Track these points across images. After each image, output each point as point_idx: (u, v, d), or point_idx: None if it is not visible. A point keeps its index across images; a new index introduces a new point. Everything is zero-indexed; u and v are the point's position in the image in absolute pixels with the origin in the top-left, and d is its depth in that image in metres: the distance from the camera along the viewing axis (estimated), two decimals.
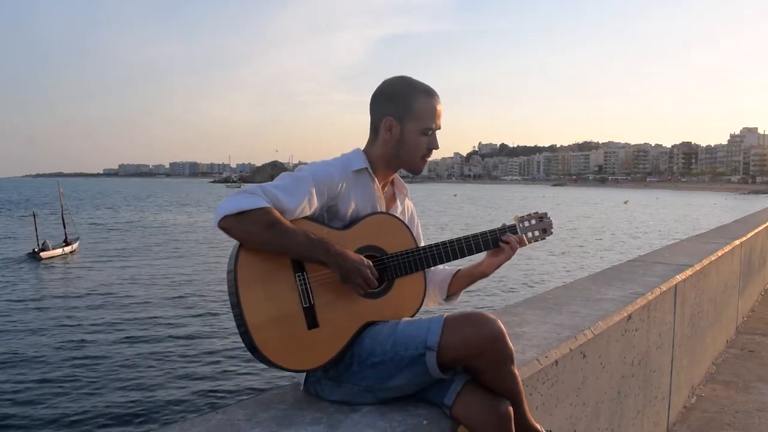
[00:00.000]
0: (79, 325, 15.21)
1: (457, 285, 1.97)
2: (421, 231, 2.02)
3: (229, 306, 1.56)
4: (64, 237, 28.27)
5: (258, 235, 1.54)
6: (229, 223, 1.54)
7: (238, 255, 1.56)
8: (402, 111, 1.78)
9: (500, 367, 1.54)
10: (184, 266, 24.04)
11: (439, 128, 1.84)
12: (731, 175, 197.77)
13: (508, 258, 1.87)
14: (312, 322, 1.59)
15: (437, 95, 1.83)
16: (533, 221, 1.95)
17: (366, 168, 1.79)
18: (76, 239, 29.22)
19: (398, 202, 1.92)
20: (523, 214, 1.96)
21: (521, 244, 1.88)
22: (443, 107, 1.85)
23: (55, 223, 30.24)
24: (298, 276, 1.60)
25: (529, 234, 1.94)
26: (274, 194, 1.59)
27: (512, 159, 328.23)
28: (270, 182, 1.64)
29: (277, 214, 1.57)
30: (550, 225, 1.96)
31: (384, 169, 1.84)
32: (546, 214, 1.98)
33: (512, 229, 1.90)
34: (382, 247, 1.74)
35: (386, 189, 1.89)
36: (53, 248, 26.80)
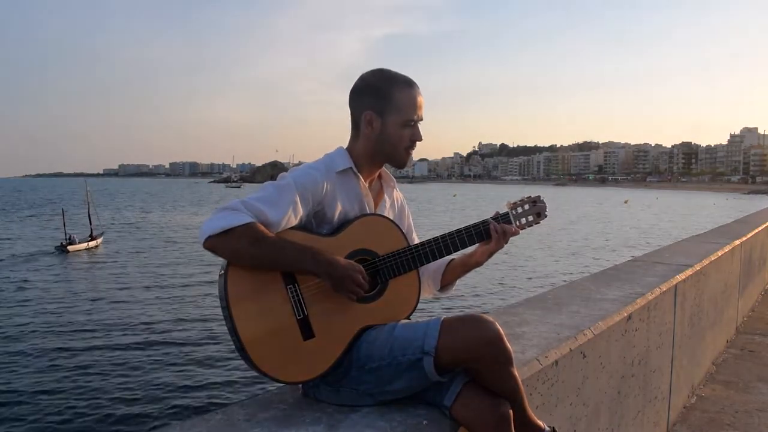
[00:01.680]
0: (88, 319, 15.57)
1: (451, 275, 1.95)
2: (412, 221, 2.00)
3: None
4: (90, 232, 30.44)
5: (244, 252, 1.53)
6: (214, 244, 1.53)
7: (227, 272, 1.55)
8: (381, 104, 1.74)
9: (499, 369, 1.54)
10: (191, 265, 24.38)
11: (421, 119, 1.79)
12: (731, 175, 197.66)
13: (501, 247, 1.84)
14: (307, 333, 1.58)
15: (417, 86, 1.78)
16: (526, 206, 1.90)
17: (350, 167, 1.76)
18: (101, 234, 31.30)
19: (386, 195, 1.90)
20: (515, 200, 1.92)
21: (514, 233, 1.84)
22: (424, 99, 1.80)
23: (62, 222, 32.05)
24: (290, 288, 1.59)
25: (523, 220, 1.89)
26: (257, 208, 1.56)
27: (512, 159, 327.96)
28: (253, 194, 1.62)
29: (262, 228, 1.55)
30: (544, 208, 1.92)
31: (369, 165, 1.80)
32: (540, 197, 1.93)
33: (505, 217, 1.86)
34: (374, 250, 1.72)
35: (373, 184, 1.86)
36: (79, 242, 28.92)
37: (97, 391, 10.44)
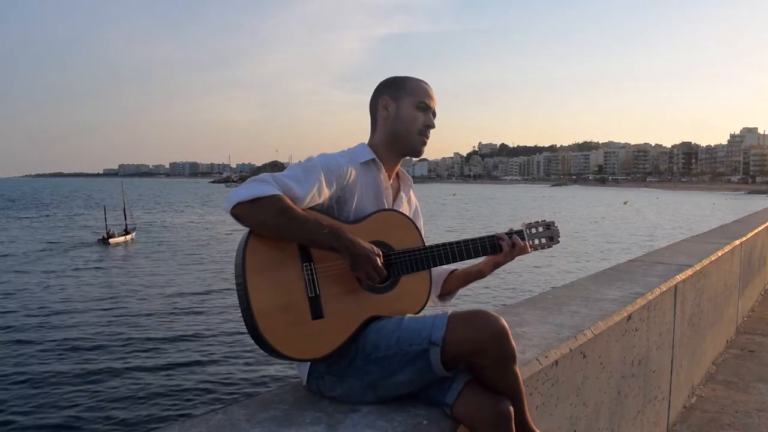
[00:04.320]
0: (104, 311, 16.24)
1: (452, 284, 1.98)
2: (422, 226, 2.03)
3: (237, 299, 1.57)
4: (124, 227, 34.57)
5: (270, 222, 1.57)
6: (241, 210, 1.57)
7: (247, 242, 1.59)
8: (398, 91, 1.85)
9: (503, 365, 1.55)
10: (197, 265, 24.72)
11: (434, 113, 1.88)
12: (731, 175, 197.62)
13: (507, 261, 1.89)
14: (317, 313, 1.60)
15: (429, 85, 1.90)
16: (540, 228, 1.96)
17: (373, 158, 1.82)
18: (134, 229, 35.47)
19: (403, 193, 1.95)
20: (531, 221, 1.97)
21: (524, 250, 1.89)
22: (437, 101, 1.89)
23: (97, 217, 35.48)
24: (305, 266, 1.62)
25: (536, 241, 1.95)
26: (284, 182, 1.61)
27: (512, 159, 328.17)
28: (280, 173, 1.66)
29: (289, 201, 1.59)
30: (558, 234, 1.98)
31: (388, 157, 1.86)
32: (554, 222, 1.98)
33: (519, 234, 1.91)
34: (390, 243, 1.75)
35: (392, 182, 1.91)
36: (117, 236, 32.91)
37: (96, 390, 10.44)
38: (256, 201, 1.56)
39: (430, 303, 2.02)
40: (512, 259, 1.88)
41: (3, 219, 51.05)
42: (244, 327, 1.57)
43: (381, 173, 1.83)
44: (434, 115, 1.88)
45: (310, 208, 1.67)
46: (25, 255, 28.06)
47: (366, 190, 1.78)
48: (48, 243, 32.70)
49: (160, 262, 26.02)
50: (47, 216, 55.65)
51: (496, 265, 1.91)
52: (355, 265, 1.61)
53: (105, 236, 32.38)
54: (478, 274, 1.94)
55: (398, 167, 1.94)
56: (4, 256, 27.77)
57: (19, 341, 13.52)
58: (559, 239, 1.98)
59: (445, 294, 2.01)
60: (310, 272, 1.62)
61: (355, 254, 1.60)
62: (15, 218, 51.89)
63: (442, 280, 1.98)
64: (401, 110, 1.83)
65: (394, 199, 1.90)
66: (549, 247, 1.97)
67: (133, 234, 34.61)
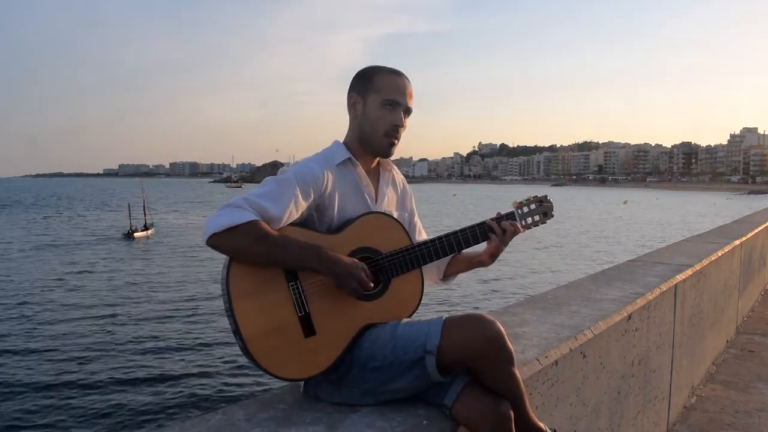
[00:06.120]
0: (120, 307, 16.58)
1: (455, 267, 1.95)
2: (414, 205, 2.00)
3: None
4: (144, 223, 37.68)
5: (248, 250, 1.53)
6: (217, 241, 1.52)
7: (229, 268, 1.55)
8: (365, 87, 1.76)
9: (500, 368, 1.54)
10: (202, 266, 24.69)
11: (408, 109, 1.78)
12: (731, 175, 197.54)
13: (503, 247, 1.82)
14: (309, 330, 1.58)
15: (405, 76, 1.79)
16: (532, 206, 1.89)
17: (348, 158, 1.77)
18: (152, 225, 38.48)
19: (383, 183, 1.87)
20: (521, 200, 1.90)
21: (516, 233, 1.82)
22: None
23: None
24: (292, 285, 1.59)
25: (529, 219, 1.88)
26: (259, 204, 1.56)
27: (512, 159, 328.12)
28: (254, 190, 1.61)
29: (265, 226, 1.55)
30: (551, 208, 1.90)
31: (363, 155, 1.80)
32: (546, 196, 1.91)
33: (510, 216, 1.85)
34: (376, 248, 1.72)
35: (372, 173, 1.85)
36: (140, 231, 36.03)
37: (97, 389, 10.43)
38: (230, 230, 1.51)
39: (432, 286, 1.99)
40: (507, 244, 1.82)
41: (35, 217, 54.34)
42: None
43: (358, 170, 1.78)
44: (408, 111, 1.78)
45: (290, 224, 1.63)
46: (63, 247, 30.97)
47: (346, 192, 1.74)
48: (79, 237, 35.91)
49: (177, 256, 27.35)
50: (66, 214, 58.31)
51: (493, 255, 1.84)
52: (340, 283, 1.59)
53: (130, 231, 35.39)
54: (480, 264, 1.90)
55: (377, 159, 1.87)
56: (49, 245, 31.15)
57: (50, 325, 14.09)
58: (553, 213, 1.91)
59: (448, 275, 1.97)
60: (297, 291, 1.59)
61: (338, 273, 1.57)
62: (45, 217, 54.46)
63: (444, 265, 1.95)
64: (367, 109, 1.75)
65: (376, 191, 1.84)
66: (543, 223, 1.90)
67: (152, 230, 37.43)
